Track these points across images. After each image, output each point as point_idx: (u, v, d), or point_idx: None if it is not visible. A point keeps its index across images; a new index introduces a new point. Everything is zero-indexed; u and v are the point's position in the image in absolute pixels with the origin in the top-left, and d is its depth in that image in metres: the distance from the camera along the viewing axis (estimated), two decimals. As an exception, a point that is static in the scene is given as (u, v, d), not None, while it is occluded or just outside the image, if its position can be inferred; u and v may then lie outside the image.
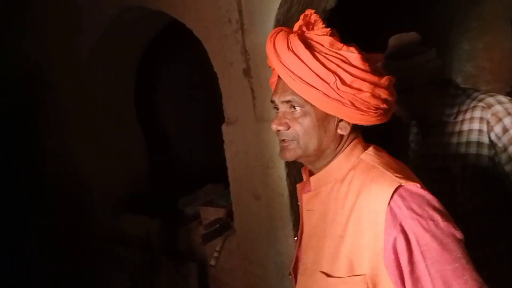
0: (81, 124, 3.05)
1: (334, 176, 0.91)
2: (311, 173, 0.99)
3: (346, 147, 0.91)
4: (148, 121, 3.60)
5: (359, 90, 0.83)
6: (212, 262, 2.10)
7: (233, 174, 2.08)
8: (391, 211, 0.77)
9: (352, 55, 0.84)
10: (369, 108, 0.85)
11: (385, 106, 0.86)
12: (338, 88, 0.82)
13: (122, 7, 2.51)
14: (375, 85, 0.84)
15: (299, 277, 0.97)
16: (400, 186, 0.79)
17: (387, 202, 0.77)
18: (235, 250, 2.22)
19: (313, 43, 0.86)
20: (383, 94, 0.86)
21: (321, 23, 0.90)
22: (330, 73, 0.82)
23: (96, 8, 2.66)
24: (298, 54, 0.84)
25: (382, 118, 0.88)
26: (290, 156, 0.92)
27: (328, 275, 0.83)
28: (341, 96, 0.83)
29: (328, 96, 0.84)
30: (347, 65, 0.83)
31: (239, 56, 1.96)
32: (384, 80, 0.86)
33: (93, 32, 2.77)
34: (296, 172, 1.91)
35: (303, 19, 0.91)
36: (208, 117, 3.82)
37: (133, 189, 3.18)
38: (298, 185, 1.07)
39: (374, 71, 0.86)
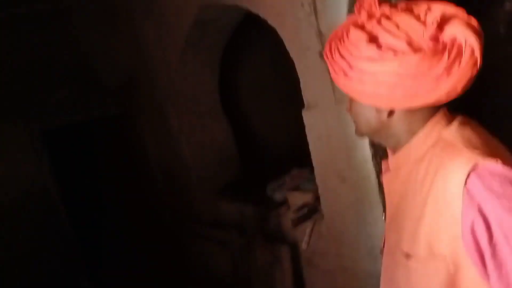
0: (176, 120, 3.30)
1: (414, 156, 0.87)
2: (392, 153, 0.96)
3: (427, 124, 0.87)
4: (233, 111, 3.78)
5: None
6: (303, 246, 2.15)
7: (317, 158, 2.09)
8: (468, 192, 0.73)
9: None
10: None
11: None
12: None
13: (200, 5, 2.64)
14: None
15: (384, 257, 0.97)
16: (477, 164, 0.74)
17: (463, 183, 0.73)
18: (325, 233, 2.24)
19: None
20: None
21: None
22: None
23: (178, 11, 2.84)
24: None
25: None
26: (357, 135, 0.99)
27: (409, 256, 0.82)
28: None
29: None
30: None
31: (315, 39, 1.94)
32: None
33: (178, 34, 2.97)
34: (382, 153, 1.85)
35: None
36: (287, 103, 3.88)
37: (226, 176, 3.38)
38: (382, 165, 1.05)
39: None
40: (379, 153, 1.86)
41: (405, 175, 0.89)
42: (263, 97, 3.92)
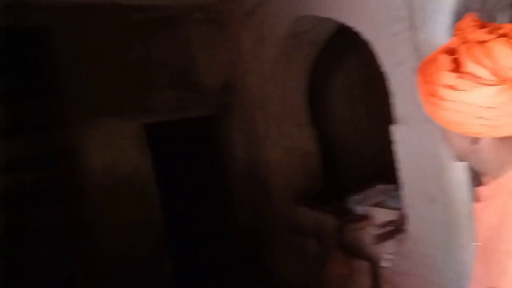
0: (263, 125, 3.42)
1: (505, 189, 0.84)
2: (486, 181, 0.93)
3: None
4: (320, 120, 3.81)
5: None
6: (384, 264, 2.10)
7: (405, 175, 2.03)
8: None
9: None
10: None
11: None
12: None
13: (295, 18, 2.72)
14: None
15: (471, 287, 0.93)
16: None
17: None
18: (409, 253, 2.16)
19: None
20: None
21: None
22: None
23: (274, 22, 2.96)
24: None
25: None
26: (456, 160, 0.96)
27: None
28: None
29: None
30: None
31: (409, 55, 1.90)
32: None
33: (273, 42, 3.09)
34: (478, 178, 1.74)
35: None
36: (375, 115, 3.80)
37: (307, 184, 3.41)
38: (475, 192, 1.02)
39: None
40: (475, 178, 1.76)
41: (498, 207, 0.85)
42: (352, 107, 3.90)
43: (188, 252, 3.76)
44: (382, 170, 2.78)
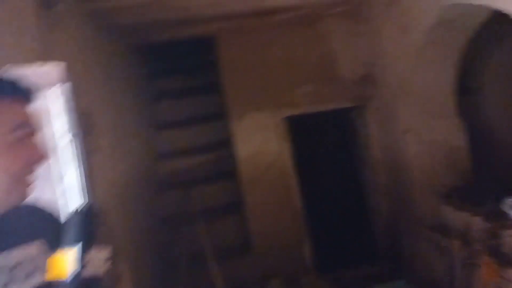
0: (405, 117, 3.32)
1: None
2: None
3: None
4: (474, 111, 3.51)
5: None
6: (544, 277, 1.91)
7: None
8: None
9: None
10: None
11: None
12: None
13: (446, 5, 2.56)
14: None
15: None
16: None
17: None
18: None
19: None
20: None
21: None
22: None
23: (421, 11, 2.82)
24: None
25: None
26: None
27: None
28: None
29: None
30: None
31: None
32: None
33: (418, 32, 2.95)
34: None
35: None
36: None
37: (453, 180, 3.21)
38: None
39: None
40: None
41: None
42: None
43: (326, 236, 3.94)
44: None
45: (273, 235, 3.57)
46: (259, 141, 3.70)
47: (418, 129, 3.25)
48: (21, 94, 0.80)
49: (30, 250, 0.83)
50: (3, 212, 0.82)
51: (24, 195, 0.80)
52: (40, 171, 0.82)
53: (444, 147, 3.23)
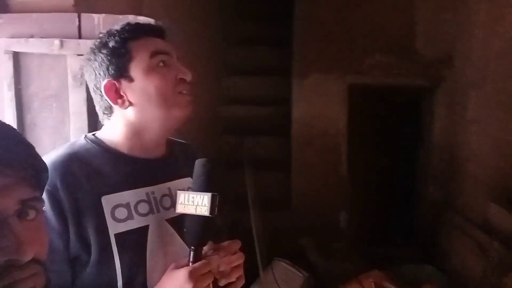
0: (475, 106, 3.15)
1: None
2: None
3: None
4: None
5: None
6: None
7: None
8: None
9: None
10: None
11: None
12: None
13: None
14: None
15: None
16: None
17: None
18: None
19: None
20: None
21: None
22: None
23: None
24: None
25: None
26: None
27: None
28: None
29: None
30: None
31: None
32: None
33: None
34: None
35: None
36: None
37: (507, 181, 3.06)
38: None
39: None
40: None
41: None
42: None
43: (367, 210, 3.99)
44: None
45: (314, 198, 3.69)
46: (319, 104, 3.71)
47: (486, 122, 3.08)
48: (155, 31, 0.96)
49: (183, 184, 1.00)
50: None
51: (181, 112, 0.94)
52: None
53: (509, 145, 3.05)
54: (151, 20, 1.14)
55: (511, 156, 3.04)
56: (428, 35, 3.51)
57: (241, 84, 4.26)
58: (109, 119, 0.96)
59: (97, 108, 0.98)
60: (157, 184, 0.95)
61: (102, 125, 0.99)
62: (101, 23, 1.33)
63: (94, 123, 1.29)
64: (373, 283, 2.74)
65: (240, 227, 3.28)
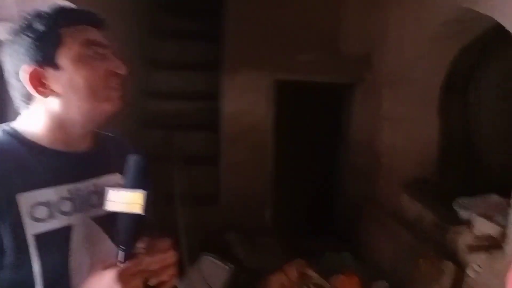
0: (390, 104, 3.42)
1: None
2: None
3: None
4: (461, 110, 3.61)
5: None
6: (470, 274, 2.13)
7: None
8: None
9: None
10: None
11: None
12: None
13: (456, 7, 2.59)
14: None
15: None
16: None
17: None
18: (501, 271, 2.13)
19: None
20: None
21: None
22: None
23: (433, 7, 2.84)
24: None
25: None
26: None
27: None
28: None
29: None
30: None
31: None
32: None
33: (426, 25, 2.98)
34: None
35: None
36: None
37: (419, 172, 3.38)
38: None
39: None
40: None
41: None
42: (498, 107, 3.59)
43: (291, 203, 4.14)
44: (509, 180, 2.61)
45: (242, 192, 3.73)
46: (248, 100, 3.75)
47: (398, 119, 3.37)
48: (91, 20, 0.90)
49: (111, 180, 0.93)
50: (99, 136, 0.96)
51: (110, 107, 0.89)
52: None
53: (418, 140, 3.37)
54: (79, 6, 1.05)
55: (420, 150, 3.37)
56: (350, 34, 3.71)
57: (169, 79, 4.16)
58: (27, 108, 0.88)
59: (14, 95, 0.88)
60: (82, 180, 0.90)
61: (15, 114, 0.91)
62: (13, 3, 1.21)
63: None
64: (296, 271, 2.86)
65: (167, 223, 3.21)
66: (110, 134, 1.05)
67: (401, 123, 3.36)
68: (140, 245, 0.83)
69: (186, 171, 3.47)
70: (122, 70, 0.90)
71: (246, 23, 3.63)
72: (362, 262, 3.42)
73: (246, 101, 3.74)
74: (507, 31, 2.15)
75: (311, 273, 2.80)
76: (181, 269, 2.82)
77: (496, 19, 2.23)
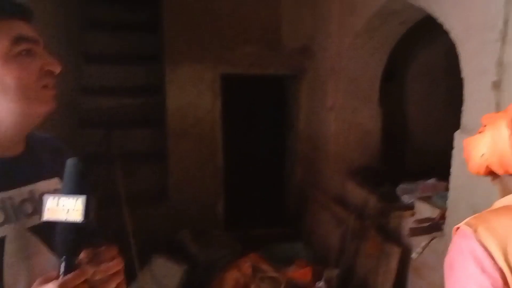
0: (332, 95, 3.51)
1: None
2: None
3: None
4: (394, 99, 3.80)
5: None
6: (413, 256, 2.24)
7: (454, 183, 2.09)
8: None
9: None
10: None
11: None
12: None
13: (388, -1, 2.69)
14: None
15: None
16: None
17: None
18: (441, 251, 2.27)
19: None
20: None
21: None
22: None
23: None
24: None
25: None
26: None
27: None
28: None
29: None
30: None
31: (493, 67, 1.87)
32: None
33: (360, 16, 3.07)
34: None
35: None
36: (453, 107, 3.68)
37: (364, 161, 3.52)
38: None
39: None
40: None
41: None
42: (428, 93, 3.82)
43: (242, 196, 4.13)
44: (444, 164, 2.80)
45: (191, 188, 3.67)
46: (193, 93, 3.67)
47: (342, 109, 3.47)
48: (20, 11, 0.81)
49: (48, 186, 0.85)
50: (31, 137, 0.88)
51: (44, 108, 0.82)
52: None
53: (361, 129, 3.50)
54: None
55: (363, 138, 3.50)
56: (291, 27, 3.75)
57: (106, 73, 3.94)
58: None
59: None
60: (14, 188, 0.82)
61: None
62: None
63: None
64: (249, 266, 2.85)
65: (113, 227, 3.06)
66: (44, 136, 0.96)
67: (345, 113, 3.46)
68: (83, 255, 0.76)
69: (132, 169, 3.33)
70: (56, 68, 0.83)
71: (185, 15, 3.54)
72: (313, 250, 3.50)
73: (190, 95, 3.66)
74: (435, 21, 2.27)
75: (265, 266, 2.81)
76: (132, 273, 2.71)
77: (426, 10, 2.34)
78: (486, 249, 0.85)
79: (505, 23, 1.79)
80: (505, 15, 1.79)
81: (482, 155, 0.99)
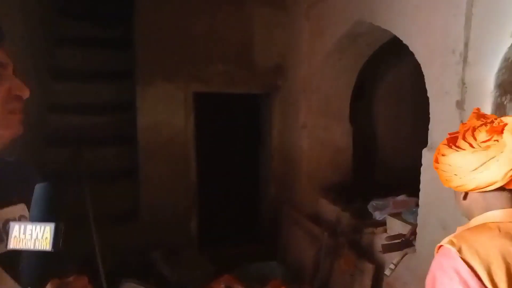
0: (304, 113, 3.56)
1: None
2: None
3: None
4: (363, 117, 3.90)
5: None
6: (387, 272, 2.26)
7: (424, 199, 2.15)
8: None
9: None
10: None
11: None
12: None
13: (356, 21, 2.78)
14: None
15: None
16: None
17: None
18: (413, 267, 2.31)
19: None
20: None
21: None
22: None
23: (335, 21, 3.02)
24: None
25: None
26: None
27: None
28: None
29: None
30: None
31: (456, 88, 1.96)
32: None
33: (329, 38, 3.16)
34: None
35: None
36: (421, 124, 3.81)
37: (335, 177, 3.57)
38: None
39: None
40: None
41: None
42: (396, 112, 3.94)
43: (215, 214, 4.08)
44: (414, 179, 2.88)
45: (163, 207, 3.59)
46: (165, 111, 3.64)
47: (313, 126, 3.52)
48: None
49: (13, 212, 0.81)
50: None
51: (9, 131, 0.79)
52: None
53: (332, 147, 3.56)
54: None
55: (334, 155, 3.55)
56: (264, 47, 3.81)
57: (75, 90, 3.85)
58: None
59: None
60: None
61: None
62: None
63: None
64: (223, 287, 2.80)
65: (82, 249, 2.95)
66: (10, 160, 0.92)
67: (317, 130, 3.51)
68: (50, 286, 0.72)
69: (102, 188, 3.24)
70: (24, 92, 0.80)
71: (158, 33, 3.54)
72: (287, 268, 3.48)
73: (163, 112, 3.62)
74: (401, 43, 2.37)
75: (239, 287, 2.77)
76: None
77: (392, 31, 2.44)
78: (472, 269, 0.87)
79: (465, 45, 1.89)
80: (465, 38, 1.89)
81: (476, 169, 0.99)
